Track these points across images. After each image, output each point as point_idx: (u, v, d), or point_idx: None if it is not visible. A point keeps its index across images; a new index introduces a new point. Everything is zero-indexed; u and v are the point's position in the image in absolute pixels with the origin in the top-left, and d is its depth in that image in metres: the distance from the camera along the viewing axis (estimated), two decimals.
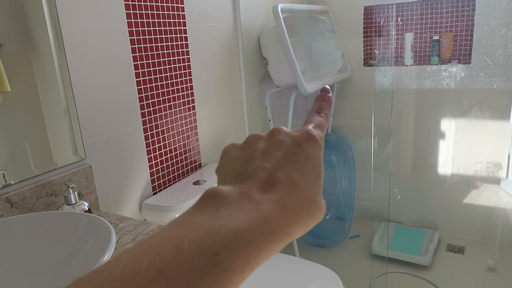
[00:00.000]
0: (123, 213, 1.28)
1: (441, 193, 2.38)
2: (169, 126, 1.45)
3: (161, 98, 1.40)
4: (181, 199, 1.35)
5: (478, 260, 2.18)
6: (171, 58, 1.43)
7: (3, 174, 0.94)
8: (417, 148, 2.39)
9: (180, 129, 1.50)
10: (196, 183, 1.47)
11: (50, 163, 1.04)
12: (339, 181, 2.48)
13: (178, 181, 1.52)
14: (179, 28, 1.46)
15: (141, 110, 1.32)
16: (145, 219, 1.33)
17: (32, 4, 0.97)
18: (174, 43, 1.44)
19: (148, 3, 1.31)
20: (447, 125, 2.28)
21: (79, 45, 1.10)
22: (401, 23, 2.25)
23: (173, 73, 1.44)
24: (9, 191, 0.94)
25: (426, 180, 2.41)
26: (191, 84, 1.54)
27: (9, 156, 0.95)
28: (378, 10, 2.30)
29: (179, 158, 1.52)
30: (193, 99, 1.56)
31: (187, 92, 1.52)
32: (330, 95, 0.34)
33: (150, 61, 1.34)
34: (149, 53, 1.33)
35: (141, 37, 1.29)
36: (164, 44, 1.39)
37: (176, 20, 1.44)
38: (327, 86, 0.35)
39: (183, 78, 1.50)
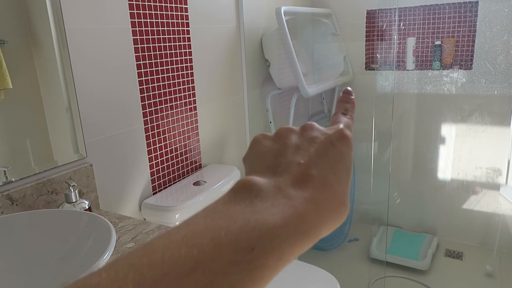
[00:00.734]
0: (123, 212, 1.28)
1: (441, 198, 2.38)
2: (170, 126, 1.45)
3: (162, 98, 1.40)
4: (181, 199, 1.35)
5: (476, 266, 2.18)
6: (174, 58, 1.43)
7: (4, 171, 0.94)
8: (417, 153, 2.40)
9: (181, 129, 1.50)
10: (196, 183, 1.47)
11: (51, 161, 1.04)
12: None
13: (178, 181, 1.52)
14: (182, 28, 1.46)
15: (142, 110, 1.32)
16: (145, 219, 1.33)
17: (35, 1, 0.97)
18: (177, 43, 1.44)
19: (152, 3, 1.31)
20: (448, 130, 2.28)
21: (82, 44, 1.10)
22: (403, 27, 2.25)
23: (175, 73, 1.44)
24: (10, 188, 0.94)
25: (425, 184, 2.41)
26: (193, 85, 1.54)
27: (10, 153, 0.95)
28: (381, 14, 2.30)
29: (179, 158, 1.52)
30: (195, 99, 1.56)
31: (188, 93, 1.52)
32: (353, 97, 0.34)
33: (153, 61, 1.34)
34: (152, 53, 1.33)
35: (144, 37, 1.29)
36: (167, 44, 1.39)
37: (180, 21, 1.44)
38: (349, 88, 0.35)
39: (185, 79, 1.50)
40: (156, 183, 1.42)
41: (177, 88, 1.46)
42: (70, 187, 0.97)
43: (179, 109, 1.48)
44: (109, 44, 1.17)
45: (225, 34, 1.71)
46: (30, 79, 0.97)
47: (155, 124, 1.38)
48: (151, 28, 1.32)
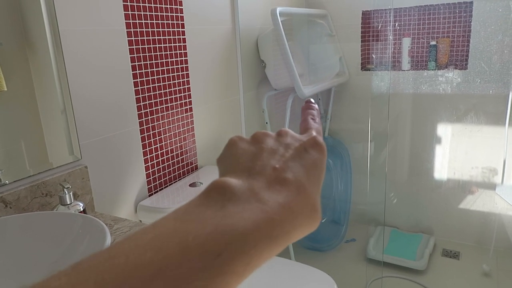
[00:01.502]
0: (118, 214, 1.27)
1: (437, 198, 2.39)
2: (166, 127, 1.45)
3: (158, 100, 1.39)
4: (177, 201, 1.34)
5: (473, 265, 2.18)
6: (169, 60, 1.43)
7: None
8: (413, 153, 2.40)
9: (177, 131, 1.50)
10: (192, 185, 1.46)
11: (45, 163, 1.03)
12: (335, 185, 2.48)
13: (174, 182, 1.51)
14: (178, 29, 1.45)
15: (138, 111, 1.31)
16: (141, 221, 1.32)
17: (30, 3, 0.97)
18: (172, 44, 1.44)
19: (146, 4, 1.31)
20: (444, 130, 2.29)
21: (77, 45, 1.09)
22: (398, 28, 2.26)
23: (170, 75, 1.44)
24: (3, 191, 0.93)
25: (422, 185, 2.41)
26: (188, 86, 1.54)
27: (4, 155, 0.94)
28: (376, 15, 2.31)
29: (175, 160, 1.51)
30: (191, 101, 1.56)
31: (184, 94, 1.52)
32: (316, 105, 0.35)
33: (148, 62, 1.34)
34: (147, 54, 1.33)
35: (139, 38, 1.29)
36: (162, 45, 1.39)
37: (175, 22, 1.44)
38: (312, 100, 0.36)
39: (181, 80, 1.50)
40: (152, 185, 1.41)
41: (172, 89, 1.46)
42: (65, 189, 0.97)
43: (174, 110, 1.48)
44: (104, 45, 1.17)
45: (221, 35, 1.70)
46: (24, 81, 0.97)
47: (150, 125, 1.37)
48: (146, 29, 1.32)
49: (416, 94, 2.29)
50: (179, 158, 1.53)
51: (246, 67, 1.88)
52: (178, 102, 1.49)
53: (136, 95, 1.30)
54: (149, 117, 1.36)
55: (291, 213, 0.23)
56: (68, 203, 0.97)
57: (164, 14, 1.39)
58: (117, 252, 0.19)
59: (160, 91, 1.40)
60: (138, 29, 1.28)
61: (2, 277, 0.73)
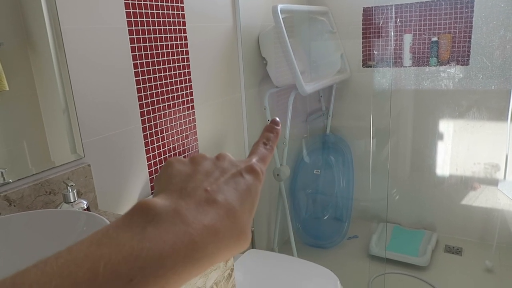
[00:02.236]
0: (121, 212, 1.27)
1: (439, 194, 2.39)
2: (168, 125, 1.45)
3: (160, 98, 1.40)
4: None
5: (475, 261, 2.18)
6: (171, 58, 1.43)
7: (1, 172, 0.94)
8: (415, 149, 2.40)
9: (179, 129, 1.50)
10: None
11: (48, 162, 1.03)
12: (338, 182, 2.48)
13: None
14: (179, 27, 1.46)
15: (140, 109, 1.32)
16: None
17: (31, 2, 0.97)
18: (174, 42, 1.44)
19: (148, 2, 1.31)
20: (446, 126, 2.29)
21: (79, 44, 1.09)
22: (400, 24, 2.25)
23: (172, 73, 1.44)
24: (7, 189, 0.94)
25: (424, 181, 2.41)
26: (190, 84, 1.54)
27: (7, 154, 0.95)
28: (377, 11, 2.31)
29: None
30: (192, 98, 1.56)
31: (186, 92, 1.52)
32: (278, 127, 0.35)
33: (150, 60, 1.34)
34: (149, 52, 1.33)
35: (141, 36, 1.29)
36: (164, 43, 1.39)
37: (176, 20, 1.44)
38: (277, 119, 0.36)
39: (182, 78, 1.50)
40: None
41: (174, 87, 1.46)
42: (68, 187, 0.97)
43: (176, 108, 1.48)
44: (106, 43, 1.17)
45: (222, 33, 1.70)
46: (26, 80, 0.97)
47: (152, 123, 1.38)
48: (148, 27, 1.32)
49: (418, 91, 2.28)
50: (182, 156, 1.53)
51: (248, 65, 1.88)
52: (180, 100, 1.49)
53: (138, 93, 1.30)
54: (151, 115, 1.37)
55: (216, 235, 0.23)
56: (72, 201, 0.97)
57: (166, 12, 1.39)
58: (21, 281, 0.18)
59: (162, 89, 1.40)
60: (140, 27, 1.28)
61: (7, 275, 0.73)
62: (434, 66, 2.18)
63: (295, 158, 2.46)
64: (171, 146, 1.47)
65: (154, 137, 1.39)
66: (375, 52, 2.36)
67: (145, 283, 0.20)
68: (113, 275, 0.19)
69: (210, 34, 1.63)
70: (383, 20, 2.30)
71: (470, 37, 2.08)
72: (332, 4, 2.34)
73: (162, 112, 1.41)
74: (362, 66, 2.39)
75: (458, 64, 2.14)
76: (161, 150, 1.43)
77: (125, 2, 1.22)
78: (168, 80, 1.43)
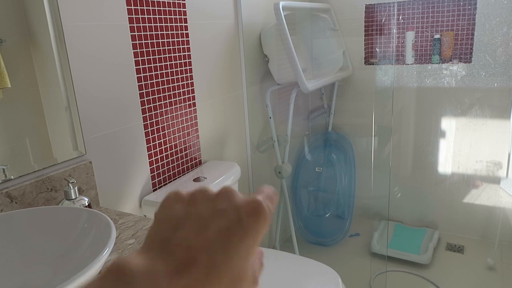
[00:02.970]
0: (123, 209, 1.28)
1: (441, 192, 2.38)
2: (170, 122, 1.45)
3: (161, 95, 1.40)
4: None
5: (477, 259, 2.18)
6: (172, 55, 1.43)
7: (3, 169, 0.94)
8: (417, 147, 2.39)
9: (180, 126, 1.50)
10: (197, 179, 1.47)
11: (50, 159, 1.04)
12: (339, 179, 2.48)
13: (178, 177, 1.52)
14: (180, 24, 1.45)
15: (141, 106, 1.32)
16: (145, 215, 1.33)
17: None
18: (175, 39, 1.43)
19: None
20: (448, 124, 2.28)
21: (80, 41, 1.09)
22: (402, 21, 2.24)
23: (174, 70, 1.44)
24: (9, 186, 0.94)
25: (426, 179, 2.41)
26: (192, 81, 1.54)
27: (9, 151, 0.95)
28: (380, 8, 2.30)
29: (179, 155, 1.51)
30: (194, 95, 1.56)
31: (188, 89, 1.52)
32: (276, 196, 0.29)
33: (151, 57, 1.34)
34: (150, 49, 1.33)
35: (142, 33, 1.29)
36: (165, 40, 1.39)
37: (178, 17, 1.44)
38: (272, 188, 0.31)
39: (184, 75, 1.50)
40: (156, 180, 1.42)
41: (176, 84, 1.46)
42: (70, 184, 0.97)
43: (178, 106, 1.48)
44: (107, 40, 1.17)
45: (224, 30, 1.70)
46: (28, 77, 0.97)
47: (154, 120, 1.38)
48: (149, 24, 1.31)
49: (420, 88, 2.28)
50: (183, 153, 1.54)
51: (249, 62, 1.88)
52: (182, 97, 1.49)
53: (139, 90, 1.30)
54: (153, 112, 1.37)
55: None
56: (73, 197, 0.97)
57: (167, 8, 1.38)
58: None
59: (164, 86, 1.40)
60: (141, 24, 1.28)
61: (9, 272, 0.74)
62: (437, 63, 2.18)
63: (297, 155, 2.46)
64: (173, 144, 1.47)
65: (156, 134, 1.39)
66: (377, 50, 2.36)
67: None
68: None
69: (211, 31, 1.62)
70: (386, 17, 2.29)
71: (472, 34, 2.08)
72: (334, 1, 2.34)
73: (163, 109, 1.41)
74: (364, 63, 2.38)
75: (460, 61, 2.13)
76: (163, 147, 1.43)
77: None
78: (170, 77, 1.43)
